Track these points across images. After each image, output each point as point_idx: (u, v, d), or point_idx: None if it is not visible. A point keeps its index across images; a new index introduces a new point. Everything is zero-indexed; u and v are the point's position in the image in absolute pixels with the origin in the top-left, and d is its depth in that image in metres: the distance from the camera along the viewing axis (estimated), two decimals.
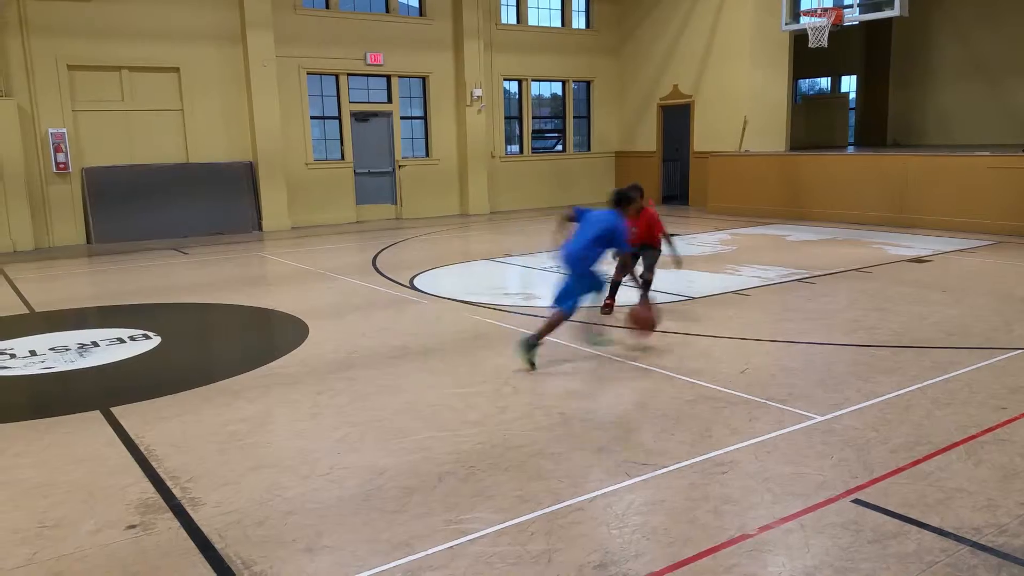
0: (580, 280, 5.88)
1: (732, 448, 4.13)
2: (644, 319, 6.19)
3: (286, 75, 15.43)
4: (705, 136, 17.46)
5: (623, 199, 6.14)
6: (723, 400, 4.89)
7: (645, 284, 7.09)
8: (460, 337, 6.81)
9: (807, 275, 9.04)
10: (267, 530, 3.41)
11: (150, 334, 7.07)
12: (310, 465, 4.11)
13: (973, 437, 4.19)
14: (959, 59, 19.82)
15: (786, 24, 13.55)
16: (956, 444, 4.10)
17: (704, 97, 17.49)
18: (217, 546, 3.28)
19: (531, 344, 5.73)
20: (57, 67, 13.40)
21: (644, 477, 3.81)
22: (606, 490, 3.69)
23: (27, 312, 8.36)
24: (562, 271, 6.01)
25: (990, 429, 4.29)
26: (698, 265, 10.08)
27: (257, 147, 15.14)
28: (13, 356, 6.47)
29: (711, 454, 4.06)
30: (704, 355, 5.97)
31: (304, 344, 6.63)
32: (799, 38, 15.61)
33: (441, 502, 3.62)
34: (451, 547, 3.21)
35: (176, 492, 3.81)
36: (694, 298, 8.08)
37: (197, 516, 3.55)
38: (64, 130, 13.49)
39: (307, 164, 16.01)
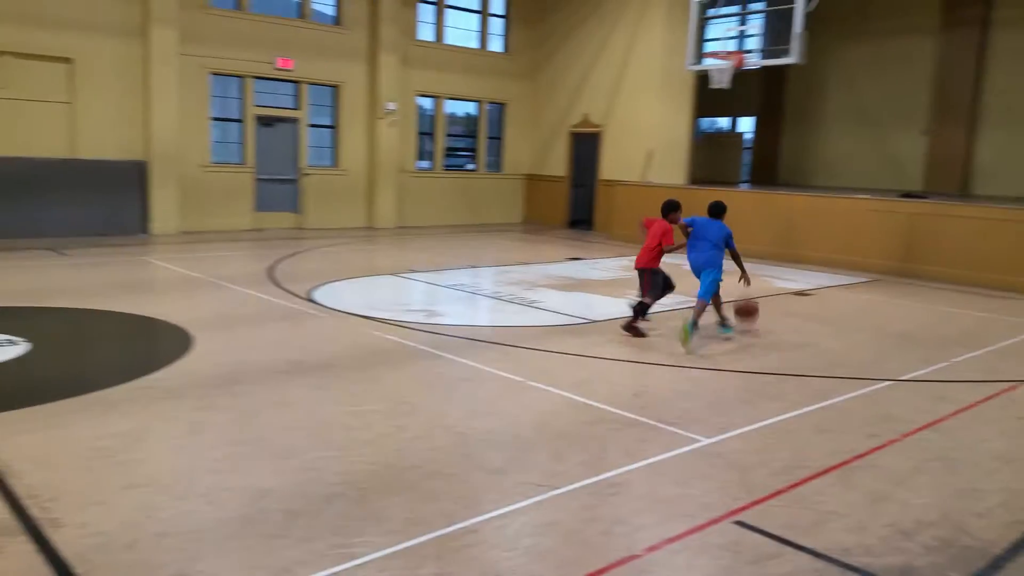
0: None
1: (625, 469, 4.19)
2: (748, 308, 7.99)
3: (189, 74, 14.86)
4: (612, 165, 17.89)
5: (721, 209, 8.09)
6: (619, 422, 4.96)
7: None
8: (358, 353, 6.66)
9: None
10: (137, 554, 3.19)
11: (16, 339, 6.55)
12: (188, 485, 3.89)
13: (846, 462, 4.40)
14: (847, 106, 21.09)
15: (691, 64, 14.09)
16: (831, 469, 4.30)
17: (613, 127, 17.95)
18: (78, 571, 3.03)
19: (694, 326, 7.09)
20: None
21: (539, 498, 3.81)
22: (500, 512, 3.66)
23: None
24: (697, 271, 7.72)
25: (861, 455, 4.52)
26: (599, 289, 10.27)
27: (151, 146, 14.48)
28: None
29: (605, 475, 4.10)
30: (602, 377, 6.05)
31: (188, 356, 6.30)
32: (702, 78, 16.27)
33: (328, 525, 3.49)
34: (336, 572, 3.09)
35: (34, 512, 3.50)
36: (595, 321, 8.20)
37: (57, 539, 3.27)
38: None
39: (204, 166, 15.43)
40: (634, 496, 3.88)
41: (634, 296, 8.09)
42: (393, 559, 3.21)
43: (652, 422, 4.97)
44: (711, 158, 23.09)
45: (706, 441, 4.65)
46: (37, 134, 13.54)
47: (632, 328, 7.53)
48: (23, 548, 3.21)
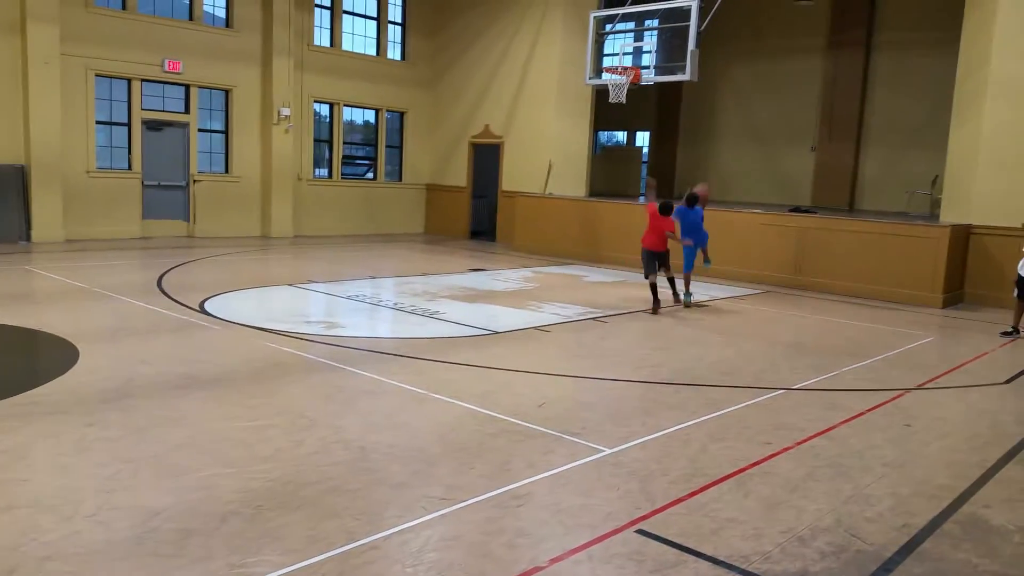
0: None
1: (528, 481, 4.21)
2: None
3: (72, 75, 14.10)
4: (513, 176, 18.06)
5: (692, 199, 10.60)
6: (522, 433, 4.99)
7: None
8: (254, 366, 6.45)
9: (601, 314, 9.54)
10: None
11: None
12: (74, 505, 3.68)
13: (742, 470, 4.57)
14: (740, 123, 22.02)
15: (589, 78, 14.41)
16: (728, 476, 4.45)
17: (513, 138, 18.13)
18: None
19: (688, 296, 10.37)
20: None
21: (442, 512, 3.78)
22: (403, 527, 3.62)
23: None
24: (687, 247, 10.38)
25: (757, 463, 4.70)
26: (501, 300, 10.33)
27: (31, 150, 13.65)
28: None
29: (508, 487, 4.11)
30: (505, 389, 6.08)
31: (73, 370, 5.97)
32: (601, 93, 16.65)
33: (224, 544, 3.36)
34: None
35: None
36: (497, 332, 8.24)
37: None
38: None
39: (88, 172, 14.65)
40: (537, 507, 3.91)
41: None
42: None
43: (555, 433, 5.02)
44: (610, 172, 23.65)
45: (608, 451, 4.74)
46: None
47: (677, 300, 10.41)
48: None
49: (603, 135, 25.79)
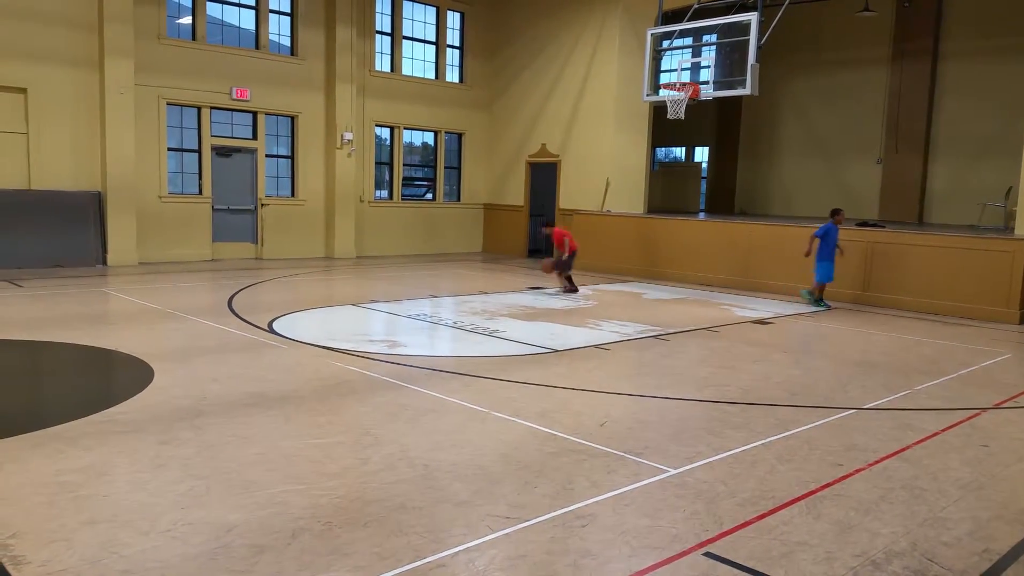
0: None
1: (592, 501, 4.19)
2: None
3: (145, 105, 14.73)
4: (570, 194, 18.10)
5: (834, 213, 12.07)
6: (584, 452, 4.97)
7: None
8: (320, 384, 6.59)
9: (662, 332, 9.45)
10: None
11: None
12: (151, 520, 3.80)
13: (812, 492, 4.45)
14: (801, 136, 21.67)
15: (647, 95, 14.39)
16: (798, 499, 4.35)
17: (570, 157, 18.18)
18: None
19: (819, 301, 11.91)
20: None
21: (506, 531, 3.79)
22: (468, 545, 3.63)
23: None
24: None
25: (828, 484, 4.58)
26: (561, 318, 10.32)
27: (107, 176, 14.27)
28: None
29: (572, 507, 4.09)
30: (566, 407, 6.06)
31: (148, 389, 6.19)
32: (658, 109, 16.59)
33: (295, 560, 3.43)
34: None
35: None
36: (557, 350, 8.23)
37: None
38: None
39: (161, 197, 15.23)
40: (602, 527, 3.88)
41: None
42: None
43: (618, 452, 4.98)
44: (669, 188, 23.51)
45: (672, 471, 4.68)
46: None
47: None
48: None
49: (661, 151, 25.64)
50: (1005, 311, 11.11)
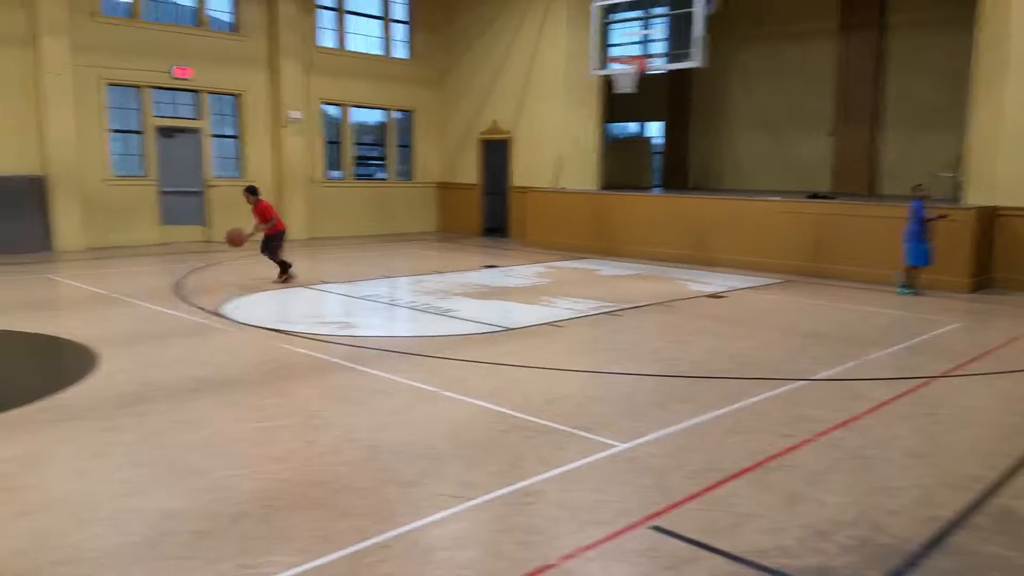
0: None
1: (540, 478, 4.18)
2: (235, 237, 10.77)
3: (84, 85, 14.22)
4: (523, 171, 18.01)
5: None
6: (533, 429, 4.96)
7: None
8: (269, 368, 6.48)
9: (615, 308, 9.48)
10: None
11: None
12: (90, 509, 3.72)
13: (761, 463, 4.50)
14: (752, 110, 21.80)
15: (595, 69, 14.30)
16: (746, 470, 4.39)
17: (521, 133, 18.07)
18: None
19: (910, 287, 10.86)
20: None
21: (453, 510, 3.77)
22: (414, 525, 3.60)
23: None
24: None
25: (776, 456, 4.63)
26: (515, 296, 10.29)
27: (48, 160, 13.80)
28: None
29: (520, 484, 4.08)
30: (517, 385, 6.05)
31: (92, 375, 6.03)
32: (609, 83, 16.56)
33: (236, 545, 3.37)
34: None
35: None
36: (510, 328, 8.21)
37: None
38: None
39: (105, 180, 14.78)
40: (550, 504, 3.88)
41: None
42: None
43: (567, 428, 4.99)
44: (623, 164, 23.53)
45: (622, 446, 4.70)
46: None
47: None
48: None
49: (616, 127, 25.63)
50: (956, 280, 11.34)
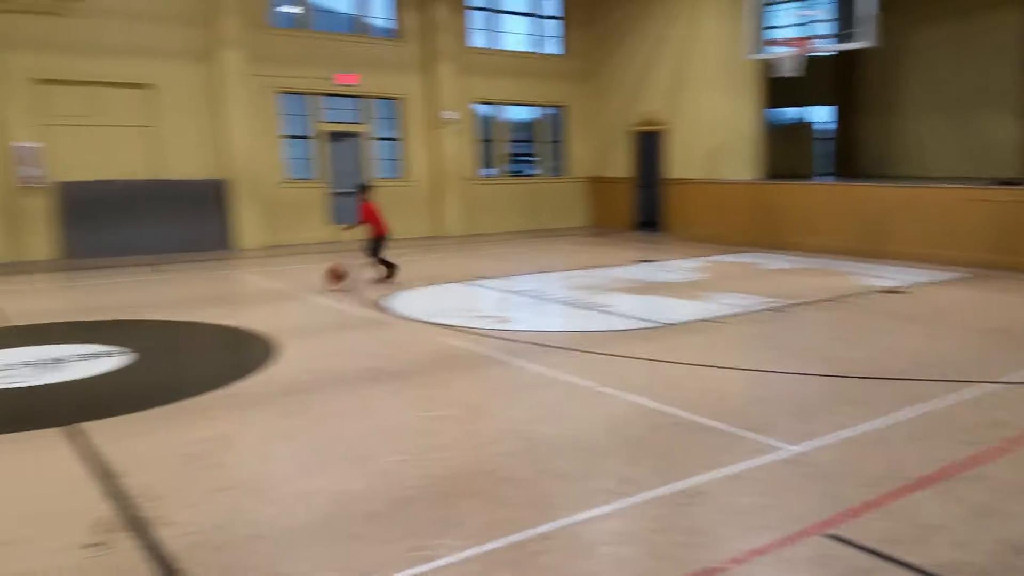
0: None
1: (703, 478, 4.06)
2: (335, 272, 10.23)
3: (258, 94, 15.34)
4: (678, 163, 17.59)
5: None
6: (694, 428, 4.83)
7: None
8: (430, 360, 6.71)
9: (781, 304, 9.07)
10: (228, 554, 3.33)
11: (119, 350, 6.93)
12: (274, 488, 4.01)
13: (945, 472, 4.15)
14: (929, 90, 20.19)
15: (751, 54, 13.66)
16: (929, 480, 4.06)
17: (676, 124, 17.64)
18: (178, 568, 3.18)
19: None
20: (25, 82, 13.21)
21: (613, 506, 3.73)
22: (574, 519, 3.61)
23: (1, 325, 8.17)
24: None
25: (963, 465, 4.25)
26: (672, 292, 10.08)
27: (229, 165, 15.01)
28: None
29: (681, 483, 3.99)
30: (676, 383, 5.92)
31: (272, 364, 6.49)
32: (769, 68, 15.83)
33: (405, 528, 3.52)
34: (415, 574, 3.12)
35: (139, 511, 3.70)
36: (667, 324, 8.05)
37: (159, 536, 3.45)
38: (32, 144, 13.26)
39: (280, 183, 15.88)
40: (714, 506, 3.76)
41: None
42: (470, 563, 3.21)
43: (730, 428, 4.82)
44: (786, 151, 22.45)
45: (789, 449, 4.47)
46: (125, 158, 14.25)
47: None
48: (131, 544, 3.41)
49: (777, 112, 24.48)
50: None
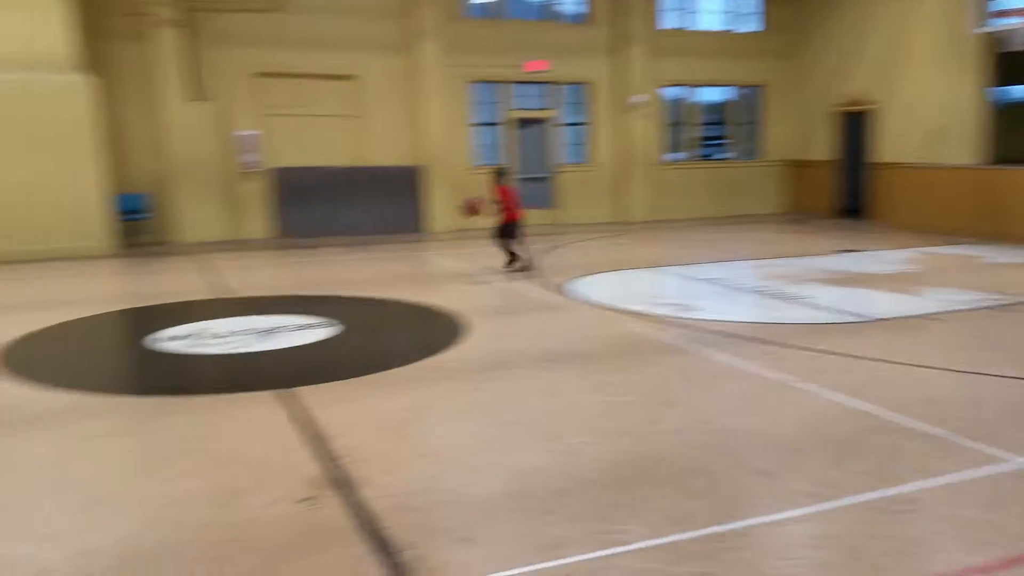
0: None
1: (915, 486, 3.73)
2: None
3: (451, 83, 15.89)
4: (889, 145, 16.23)
5: None
6: (905, 432, 4.46)
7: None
8: (612, 344, 6.68)
9: (1004, 301, 8.16)
10: (424, 516, 3.49)
11: (327, 322, 7.50)
12: (467, 458, 4.19)
13: None
14: None
15: (979, 26, 12.25)
16: None
17: (888, 104, 16.26)
18: (379, 526, 3.38)
19: None
20: (245, 75, 14.50)
21: (813, 508, 3.52)
22: (770, 518, 3.45)
23: (226, 297, 9.18)
24: None
25: None
26: (878, 284, 9.37)
27: (423, 152, 15.71)
28: (212, 336, 7.03)
29: (891, 491, 3.68)
30: (882, 382, 5.48)
31: (464, 341, 6.74)
32: (996, 42, 14.19)
33: (591, 509, 3.52)
34: (601, 556, 3.11)
35: (345, 471, 3.96)
36: (873, 319, 7.49)
37: (363, 496, 3.68)
38: (251, 132, 14.58)
39: (468, 169, 16.40)
40: (928, 516, 3.45)
41: None
42: (657, 551, 3.16)
43: (946, 434, 4.39)
44: (1012, 133, 20.11)
45: (1017, 461, 4.01)
46: (331, 145, 15.31)
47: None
48: (338, 501, 3.66)
49: (1007, 91, 21.93)
50: None
